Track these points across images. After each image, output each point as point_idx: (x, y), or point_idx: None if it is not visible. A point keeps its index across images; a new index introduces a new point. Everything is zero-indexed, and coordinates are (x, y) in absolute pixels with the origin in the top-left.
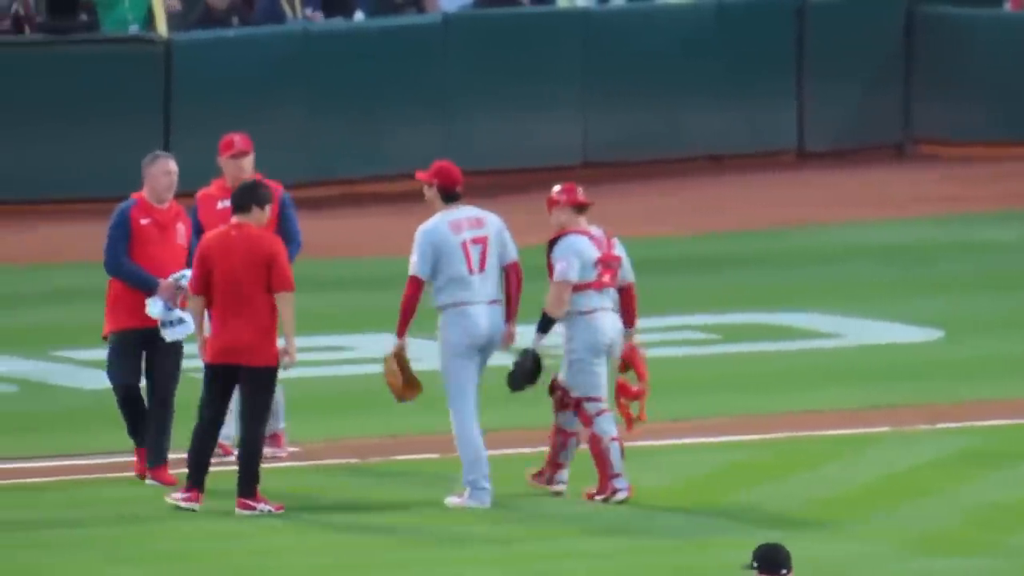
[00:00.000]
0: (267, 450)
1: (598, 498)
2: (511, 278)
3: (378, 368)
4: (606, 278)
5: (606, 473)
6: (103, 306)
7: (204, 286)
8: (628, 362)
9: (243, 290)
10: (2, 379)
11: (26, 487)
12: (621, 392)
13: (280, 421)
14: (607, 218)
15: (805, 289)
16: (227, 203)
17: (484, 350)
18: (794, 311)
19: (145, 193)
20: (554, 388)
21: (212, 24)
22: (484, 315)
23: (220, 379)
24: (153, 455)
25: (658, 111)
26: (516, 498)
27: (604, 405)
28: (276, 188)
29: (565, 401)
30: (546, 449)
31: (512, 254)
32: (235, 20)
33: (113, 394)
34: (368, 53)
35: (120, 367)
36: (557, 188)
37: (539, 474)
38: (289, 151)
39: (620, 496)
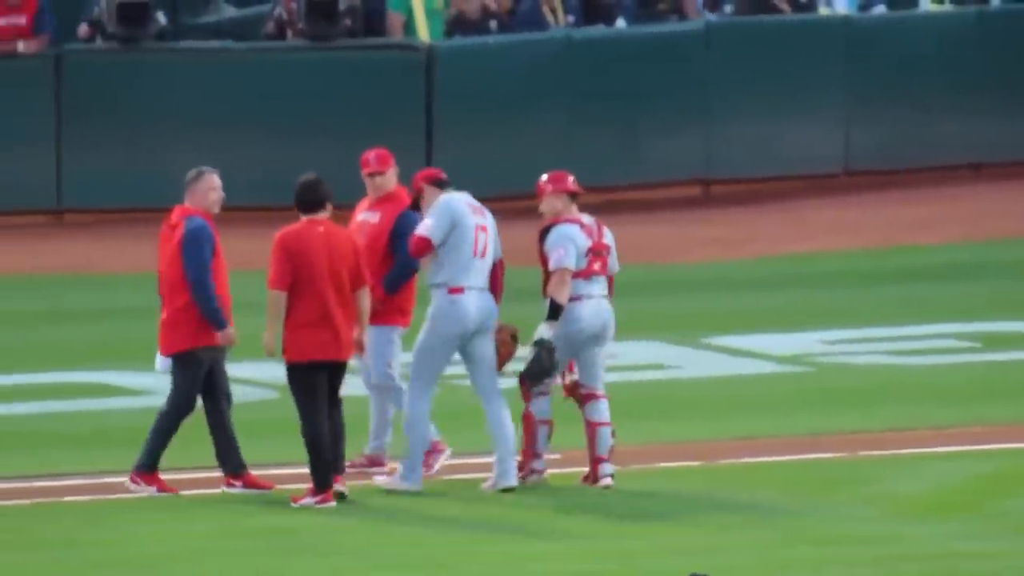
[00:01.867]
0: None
1: (590, 484)
2: (497, 273)
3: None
4: (596, 266)
5: (530, 452)
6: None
7: (290, 282)
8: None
9: (343, 285)
10: (265, 385)
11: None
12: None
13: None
14: (869, 225)
15: None
16: (364, 216)
17: (477, 336)
18: None
19: (190, 208)
20: (572, 388)
21: (468, 31)
22: (475, 301)
23: (316, 375)
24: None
25: (919, 118)
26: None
27: (598, 390)
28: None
29: (574, 392)
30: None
31: (499, 251)
32: (493, 25)
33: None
34: (629, 60)
35: (195, 386)
36: (545, 177)
37: (586, 477)
38: (549, 158)
39: (609, 481)
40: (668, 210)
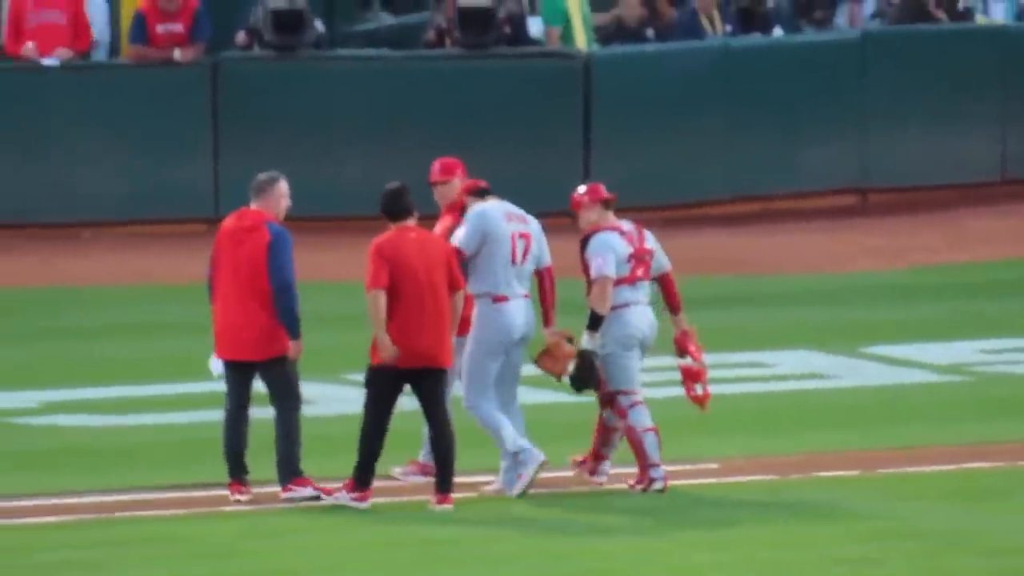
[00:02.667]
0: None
1: (637, 488)
2: (545, 282)
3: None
4: (639, 272)
5: (644, 464)
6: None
7: (387, 283)
8: (681, 347)
9: (439, 291)
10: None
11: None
12: (685, 376)
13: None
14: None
15: None
16: (438, 225)
17: (517, 345)
18: None
19: (264, 213)
20: (600, 385)
21: (626, 39)
22: (520, 310)
23: (394, 383)
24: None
25: None
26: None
27: (638, 397)
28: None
29: (609, 397)
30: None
31: (548, 258)
32: (649, 33)
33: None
34: (785, 69)
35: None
36: (582, 189)
37: (583, 462)
38: (707, 167)
39: (657, 485)
40: (825, 219)
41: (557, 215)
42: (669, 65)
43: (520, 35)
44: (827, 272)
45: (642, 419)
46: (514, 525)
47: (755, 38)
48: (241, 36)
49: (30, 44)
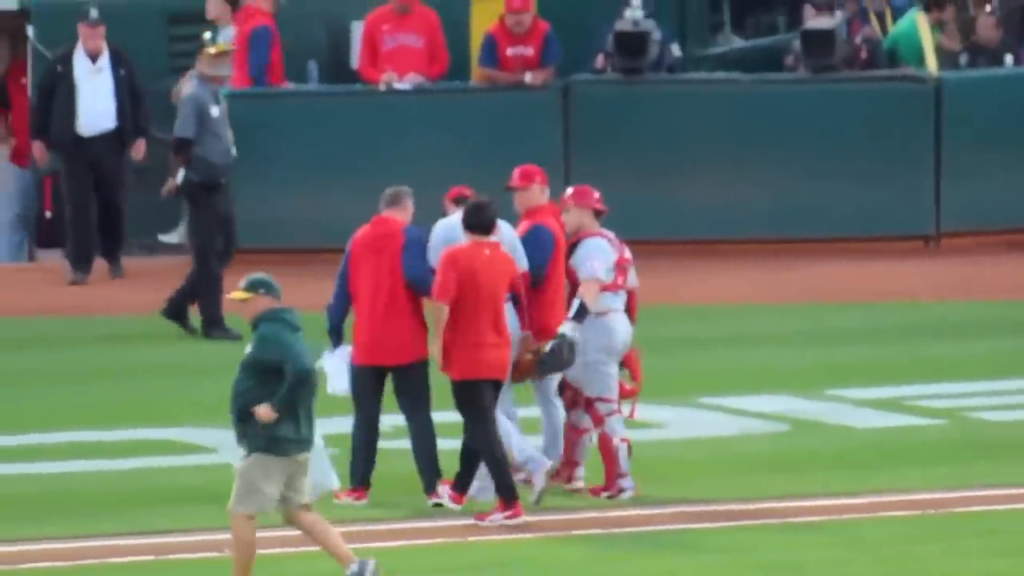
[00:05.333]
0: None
1: (604, 495)
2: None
3: None
4: (620, 280)
5: (613, 472)
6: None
7: (454, 296)
8: (625, 362)
9: (499, 308)
10: (776, 417)
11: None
12: (621, 393)
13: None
14: None
15: None
16: None
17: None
18: None
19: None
20: (564, 387)
21: (981, 62)
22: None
23: (484, 391)
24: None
25: None
26: None
27: (615, 406)
28: None
29: (576, 400)
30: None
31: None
32: (1008, 58)
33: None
34: None
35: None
36: (570, 191)
37: (557, 474)
38: None
39: (626, 495)
40: None
41: (908, 238)
42: (1022, 89)
43: (876, 59)
44: None
45: (618, 428)
46: (853, 547)
47: None
48: (600, 59)
49: (388, 72)
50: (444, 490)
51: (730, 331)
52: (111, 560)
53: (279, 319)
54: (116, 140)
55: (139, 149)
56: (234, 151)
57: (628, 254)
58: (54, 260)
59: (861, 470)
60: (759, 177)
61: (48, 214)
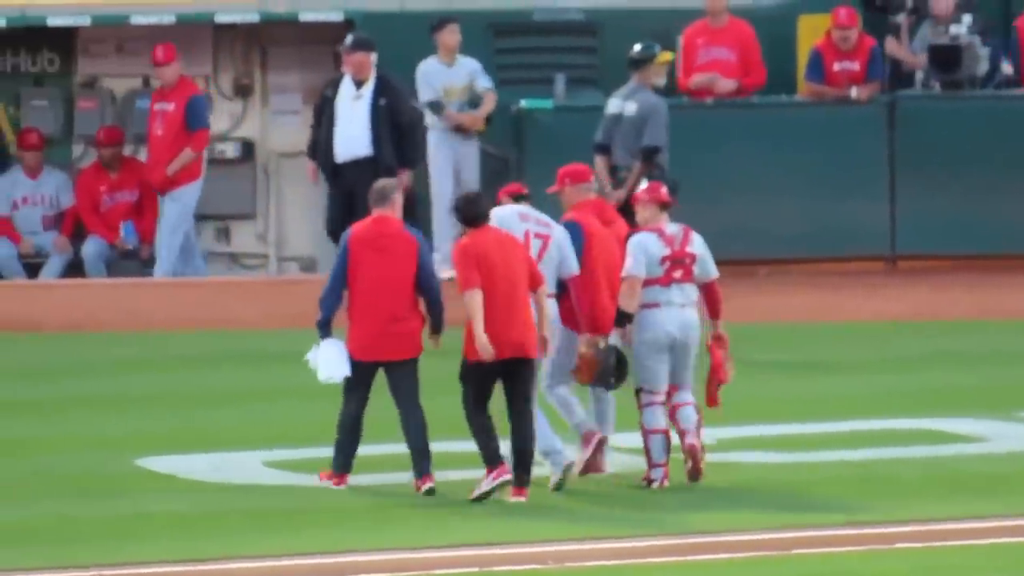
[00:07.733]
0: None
1: (644, 483)
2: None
3: None
4: (675, 274)
5: (648, 462)
6: None
7: (479, 282)
8: (710, 351)
9: (519, 286)
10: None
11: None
12: (712, 374)
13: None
14: None
15: None
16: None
17: None
18: None
19: None
20: (620, 380)
21: None
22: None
23: (489, 375)
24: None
25: None
26: None
27: (656, 398)
28: None
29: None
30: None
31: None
32: None
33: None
34: None
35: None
36: (644, 185)
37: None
38: None
39: (654, 485)
40: None
41: None
42: None
43: None
44: None
45: (652, 420)
46: None
47: None
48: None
49: (697, 78)
50: (514, 497)
51: None
52: None
53: None
54: (371, 168)
55: (403, 181)
56: None
57: (696, 248)
58: None
59: None
60: None
61: None
